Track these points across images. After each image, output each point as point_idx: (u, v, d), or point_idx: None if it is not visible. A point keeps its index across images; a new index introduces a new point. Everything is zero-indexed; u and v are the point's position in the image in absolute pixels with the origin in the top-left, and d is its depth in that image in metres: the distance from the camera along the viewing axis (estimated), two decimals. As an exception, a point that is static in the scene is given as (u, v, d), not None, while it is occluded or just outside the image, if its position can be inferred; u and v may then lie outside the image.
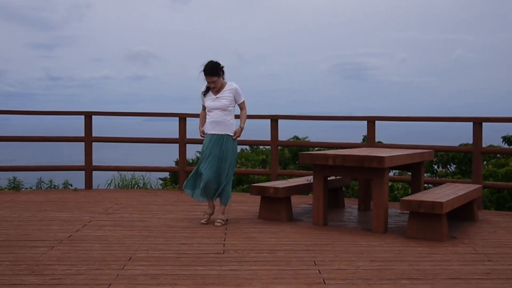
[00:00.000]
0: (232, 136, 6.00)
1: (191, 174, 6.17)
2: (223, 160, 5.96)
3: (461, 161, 10.73)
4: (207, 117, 6.09)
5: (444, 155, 10.85)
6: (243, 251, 4.82)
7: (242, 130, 6.10)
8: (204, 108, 6.24)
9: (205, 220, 6.04)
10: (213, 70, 5.90)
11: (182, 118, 8.88)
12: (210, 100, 6.02)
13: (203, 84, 6.08)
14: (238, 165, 13.17)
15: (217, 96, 5.99)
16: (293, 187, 6.45)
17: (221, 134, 5.97)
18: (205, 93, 6.12)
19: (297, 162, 11.94)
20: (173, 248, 4.88)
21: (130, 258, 4.51)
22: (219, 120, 5.97)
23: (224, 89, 6.01)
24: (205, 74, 5.92)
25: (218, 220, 5.97)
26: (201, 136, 6.24)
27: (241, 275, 4.06)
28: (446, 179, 8.49)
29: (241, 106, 6.15)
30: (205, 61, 5.94)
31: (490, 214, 7.11)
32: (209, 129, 6.02)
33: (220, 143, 5.96)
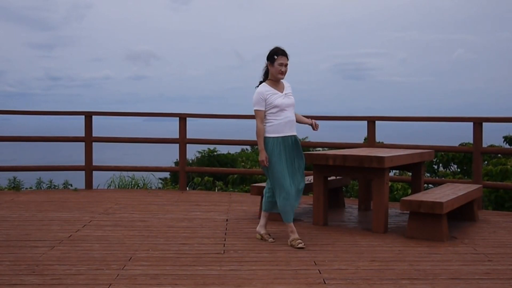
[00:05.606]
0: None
1: (269, 194, 5.24)
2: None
3: (462, 160, 10.73)
4: (277, 118, 5.03)
5: (444, 155, 10.85)
6: (243, 251, 4.82)
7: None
8: (262, 120, 5.05)
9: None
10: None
11: (182, 118, 8.87)
12: (281, 98, 5.07)
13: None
14: (243, 164, 13.18)
15: (285, 92, 5.14)
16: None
17: (295, 135, 5.19)
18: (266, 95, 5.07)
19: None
20: (173, 248, 4.88)
21: (130, 258, 4.52)
22: (294, 119, 5.15)
23: (285, 85, 5.21)
24: (278, 55, 5.07)
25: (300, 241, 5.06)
26: (265, 165, 5.04)
27: (241, 275, 4.06)
28: (447, 179, 8.49)
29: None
30: (268, 50, 5.12)
31: (490, 214, 7.11)
32: (286, 131, 5.05)
33: (299, 146, 5.19)
